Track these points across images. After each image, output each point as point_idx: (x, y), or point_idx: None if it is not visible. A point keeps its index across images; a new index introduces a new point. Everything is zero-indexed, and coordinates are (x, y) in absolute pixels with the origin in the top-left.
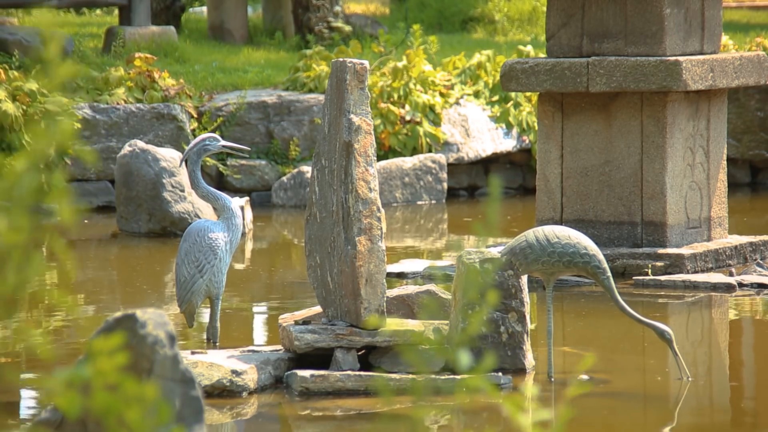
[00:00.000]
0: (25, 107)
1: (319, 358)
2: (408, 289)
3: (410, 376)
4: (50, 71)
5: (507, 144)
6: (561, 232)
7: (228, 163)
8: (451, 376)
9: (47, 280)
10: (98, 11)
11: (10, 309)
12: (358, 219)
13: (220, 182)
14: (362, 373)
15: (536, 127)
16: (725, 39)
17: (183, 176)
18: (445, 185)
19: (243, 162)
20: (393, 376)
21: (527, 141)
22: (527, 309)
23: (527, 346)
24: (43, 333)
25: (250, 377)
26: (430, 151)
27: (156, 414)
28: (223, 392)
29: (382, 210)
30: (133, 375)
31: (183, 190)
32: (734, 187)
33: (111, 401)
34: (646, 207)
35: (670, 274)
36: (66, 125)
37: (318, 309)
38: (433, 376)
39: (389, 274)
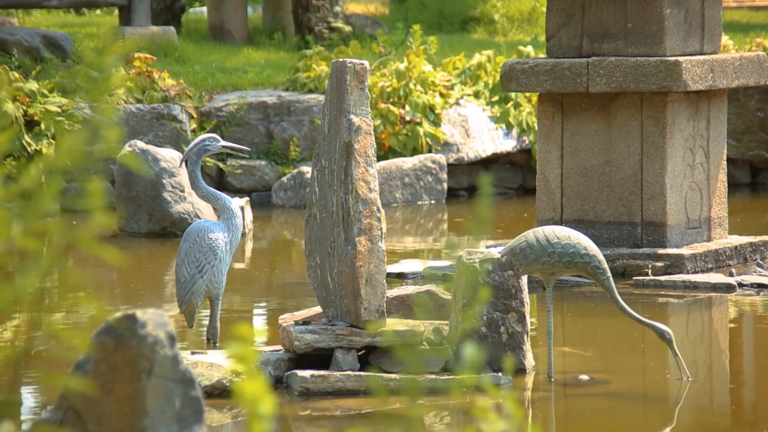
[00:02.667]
0: (25, 108)
1: (319, 358)
2: (408, 289)
3: (410, 376)
4: (101, 80)
5: (507, 144)
6: (561, 232)
7: (228, 163)
8: (451, 377)
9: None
10: (98, 11)
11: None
12: (358, 219)
13: (220, 182)
14: (362, 373)
15: (536, 128)
16: (725, 39)
17: (183, 176)
18: (445, 185)
19: (243, 162)
20: (392, 376)
21: (527, 141)
22: (527, 309)
23: (527, 346)
24: (70, 326)
25: None
26: (430, 151)
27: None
28: (223, 392)
29: (382, 210)
30: (133, 375)
31: (183, 191)
32: (734, 187)
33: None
34: (646, 207)
35: (670, 274)
36: (113, 133)
37: (318, 309)
38: (433, 376)
39: (389, 275)
